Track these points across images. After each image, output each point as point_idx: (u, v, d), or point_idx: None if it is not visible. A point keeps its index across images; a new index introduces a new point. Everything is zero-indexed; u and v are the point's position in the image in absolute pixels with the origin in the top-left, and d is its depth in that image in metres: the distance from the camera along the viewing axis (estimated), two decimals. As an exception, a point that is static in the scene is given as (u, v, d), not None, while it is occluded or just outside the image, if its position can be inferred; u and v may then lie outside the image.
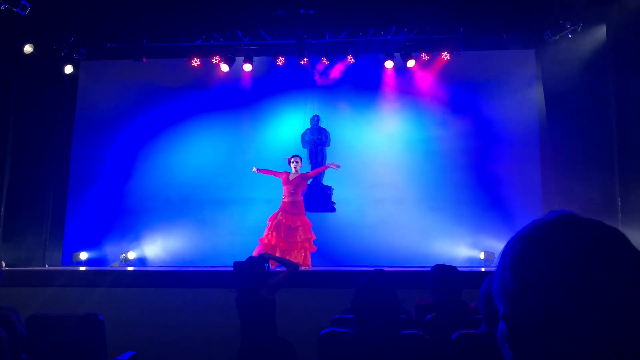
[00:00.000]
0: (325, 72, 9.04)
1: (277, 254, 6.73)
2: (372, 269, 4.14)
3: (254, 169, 7.61)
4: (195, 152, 8.79)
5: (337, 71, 9.00)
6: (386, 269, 5.11)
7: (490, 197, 8.50)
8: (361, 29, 8.29)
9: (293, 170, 7.55)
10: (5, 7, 6.88)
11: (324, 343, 2.46)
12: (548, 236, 0.72)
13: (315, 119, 8.81)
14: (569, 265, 0.67)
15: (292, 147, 8.84)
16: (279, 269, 4.63)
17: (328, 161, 8.69)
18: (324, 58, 8.72)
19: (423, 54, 8.64)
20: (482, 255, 8.15)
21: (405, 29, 8.23)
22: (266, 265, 4.00)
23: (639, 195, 6.58)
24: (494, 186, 8.52)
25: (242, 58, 8.70)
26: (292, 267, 4.22)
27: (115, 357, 3.74)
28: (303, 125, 8.91)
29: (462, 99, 8.80)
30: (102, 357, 3.32)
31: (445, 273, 3.60)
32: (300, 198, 7.41)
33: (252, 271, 3.84)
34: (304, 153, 8.80)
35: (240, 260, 4.03)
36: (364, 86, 8.96)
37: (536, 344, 0.71)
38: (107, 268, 7.74)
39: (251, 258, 3.97)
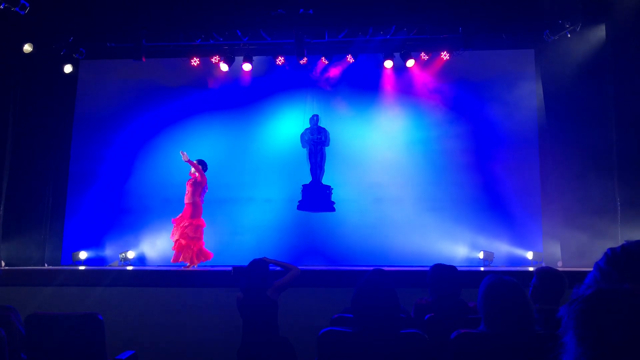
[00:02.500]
0: (327, 76, 9.03)
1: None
2: (372, 268, 4.14)
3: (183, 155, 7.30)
4: (194, 152, 8.75)
5: (336, 71, 9.01)
6: (385, 268, 5.12)
7: (490, 196, 8.51)
8: (360, 28, 8.29)
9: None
10: (4, 7, 6.88)
11: (324, 342, 2.46)
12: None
13: (314, 119, 8.81)
14: None
15: (291, 147, 8.85)
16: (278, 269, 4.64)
17: (327, 160, 8.71)
18: (323, 58, 8.72)
19: (422, 54, 8.65)
20: (481, 255, 8.17)
21: (405, 29, 8.23)
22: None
23: (637, 194, 6.59)
24: (493, 186, 8.53)
25: (241, 57, 8.70)
26: (295, 269, 4.23)
27: (114, 357, 3.74)
28: (302, 124, 8.91)
29: (461, 98, 8.80)
30: (101, 357, 3.32)
31: (444, 273, 3.60)
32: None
33: (258, 272, 3.85)
34: (304, 152, 8.81)
35: (237, 260, 4.05)
36: (363, 86, 8.96)
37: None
38: (107, 267, 7.74)
39: (256, 260, 3.97)
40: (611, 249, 0.78)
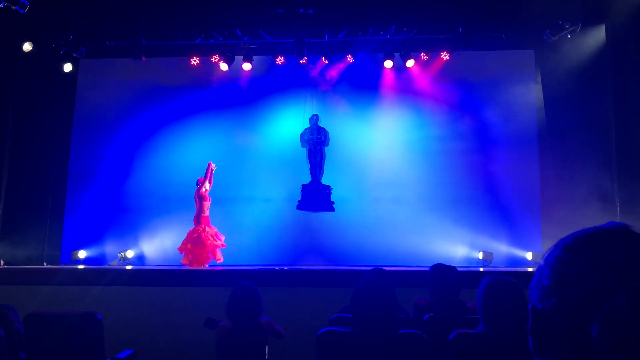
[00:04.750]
0: (327, 75, 9.03)
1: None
2: (371, 268, 4.14)
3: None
4: (194, 151, 8.79)
5: (336, 71, 9.01)
6: (385, 268, 5.12)
7: (489, 197, 8.51)
8: (360, 28, 8.29)
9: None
10: (4, 5, 6.87)
11: (322, 342, 2.46)
12: (598, 243, 0.71)
13: (314, 119, 8.80)
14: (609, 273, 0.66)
15: (291, 146, 8.85)
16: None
17: (327, 160, 8.72)
18: (323, 57, 8.72)
19: (422, 54, 8.64)
20: (480, 255, 8.16)
21: (405, 29, 8.23)
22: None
23: (636, 195, 6.60)
24: (492, 186, 8.53)
25: (241, 57, 8.69)
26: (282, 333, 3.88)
27: (113, 356, 3.73)
28: (302, 124, 8.91)
29: (461, 99, 8.80)
30: (100, 356, 3.32)
31: (443, 273, 3.60)
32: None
33: (249, 297, 3.58)
34: (303, 152, 8.80)
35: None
36: (363, 86, 8.96)
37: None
38: (106, 266, 7.74)
39: (244, 284, 3.65)
40: (565, 244, 0.75)
